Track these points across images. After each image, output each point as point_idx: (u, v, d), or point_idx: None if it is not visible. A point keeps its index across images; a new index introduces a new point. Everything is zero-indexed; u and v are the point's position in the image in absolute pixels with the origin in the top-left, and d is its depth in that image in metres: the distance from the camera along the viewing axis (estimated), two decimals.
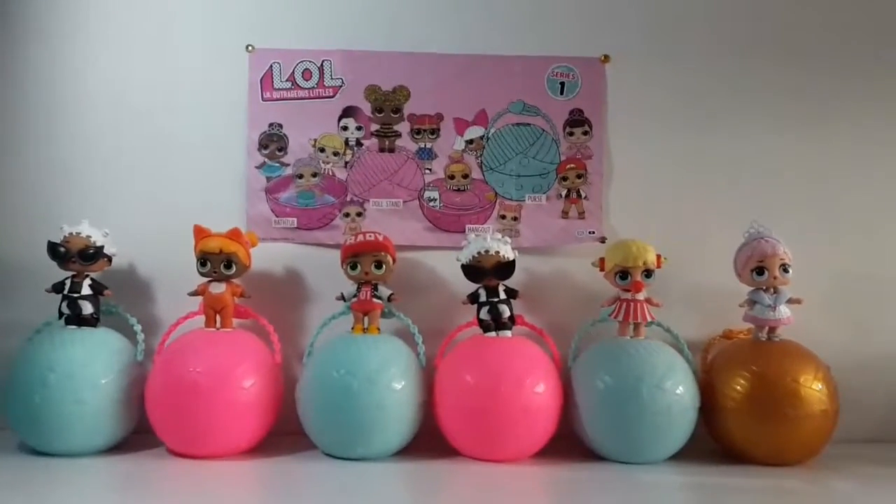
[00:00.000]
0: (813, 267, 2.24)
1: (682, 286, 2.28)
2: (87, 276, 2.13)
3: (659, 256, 2.18)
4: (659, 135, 2.37)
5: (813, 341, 2.14)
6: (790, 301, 2.16)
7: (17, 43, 2.34)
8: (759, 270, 2.15)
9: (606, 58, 2.38)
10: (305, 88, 2.34)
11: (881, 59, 2.40)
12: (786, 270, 2.15)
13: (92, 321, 2.12)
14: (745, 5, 2.40)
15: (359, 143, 2.35)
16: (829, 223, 2.37)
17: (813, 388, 2.04)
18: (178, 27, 2.35)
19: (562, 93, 2.37)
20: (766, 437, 2.05)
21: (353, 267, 2.17)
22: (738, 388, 2.08)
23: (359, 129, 2.35)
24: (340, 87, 2.35)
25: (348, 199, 2.35)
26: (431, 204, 2.35)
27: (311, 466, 2.02)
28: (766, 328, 2.16)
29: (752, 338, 2.19)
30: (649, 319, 2.17)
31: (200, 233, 2.15)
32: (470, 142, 2.36)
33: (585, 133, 2.36)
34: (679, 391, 2.03)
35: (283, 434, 2.11)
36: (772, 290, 2.16)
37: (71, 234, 2.12)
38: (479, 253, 2.15)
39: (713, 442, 2.15)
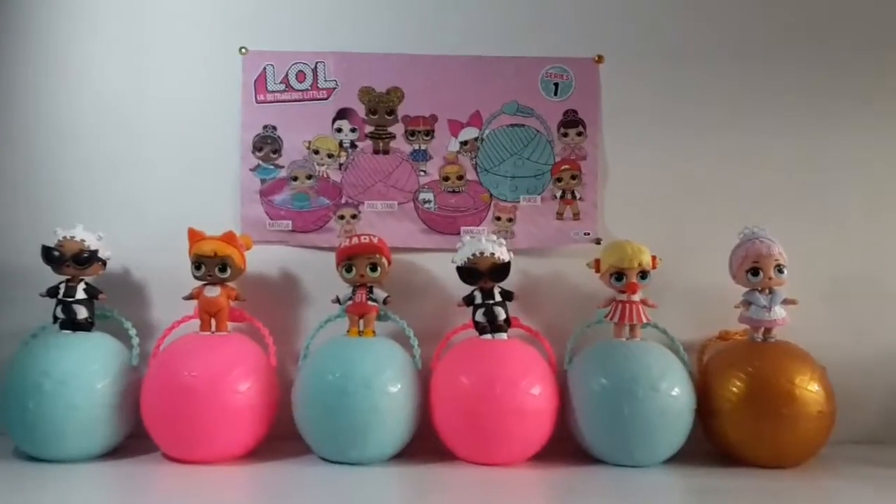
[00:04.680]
0: (810, 267, 2.23)
1: (678, 287, 2.27)
2: (81, 280, 2.13)
3: (654, 257, 2.17)
4: (653, 135, 2.36)
5: (810, 342, 2.14)
6: (785, 302, 2.15)
7: (8, 47, 2.33)
8: (754, 271, 2.15)
9: (600, 58, 2.37)
10: (299, 90, 2.34)
11: (880, 57, 2.39)
12: (781, 271, 2.15)
13: (87, 325, 2.11)
14: (739, 4, 2.39)
15: (353, 145, 2.35)
16: (826, 223, 2.37)
17: (809, 389, 2.04)
18: (172, 31, 2.35)
19: (556, 93, 2.36)
20: (762, 439, 2.05)
21: (349, 269, 2.16)
22: (734, 389, 2.07)
23: (353, 130, 2.34)
24: (334, 88, 2.34)
25: (343, 201, 2.34)
26: (426, 206, 2.35)
27: (307, 471, 2.01)
28: (762, 329, 2.16)
29: (748, 339, 2.19)
30: (645, 321, 2.17)
31: (195, 236, 2.15)
32: (464, 143, 2.36)
33: (580, 134, 2.36)
34: (675, 393, 2.03)
35: (279, 438, 2.10)
36: (767, 290, 2.16)
37: (65, 237, 2.11)
38: (474, 255, 2.15)
39: (709, 444, 2.15)
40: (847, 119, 2.38)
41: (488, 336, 2.15)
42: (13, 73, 2.33)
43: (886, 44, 2.39)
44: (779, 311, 2.15)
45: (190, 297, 2.16)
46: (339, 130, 2.34)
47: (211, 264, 2.13)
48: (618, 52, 2.37)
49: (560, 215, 2.35)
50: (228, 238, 2.15)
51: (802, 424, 2.03)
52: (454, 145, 2.36)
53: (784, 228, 2.21)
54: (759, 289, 2.16)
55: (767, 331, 2.16)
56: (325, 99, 2.34)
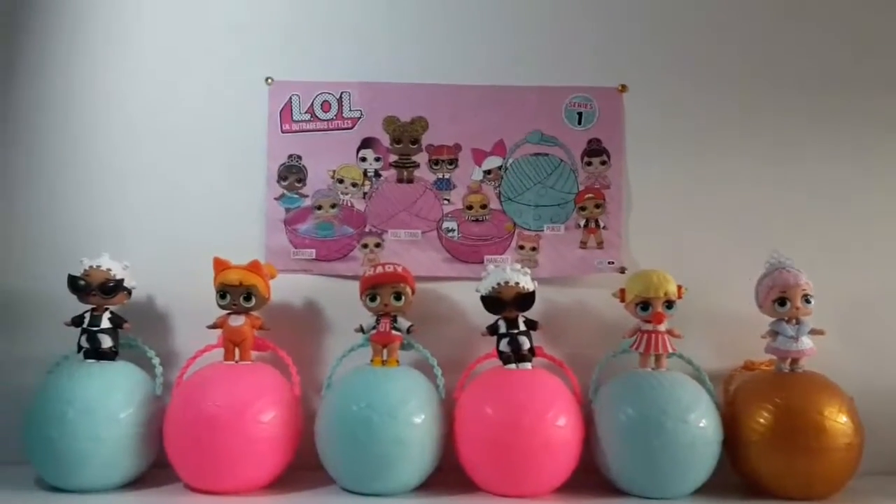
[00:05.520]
0: (833, 294, 2.21)
1: (702, 316, 2.25)
2: (106, 309, 2.13)
3: (680, 287, 2.16)
4: (677, 163, 2.36)
5: (833, 371, 2.11)
6: (812, 332, 2.14)
7: (35, 74, 2.35)
8: (782, 301, 2.14)
9: (624, 87, 2.38)
10: (324, 120, 2.35)
11: None
12: (808, 301, 2.13)
13: (111, 355, 2.11)
14: (763, 31, 2.40)
15: (377, 174, 2.35)
16: (850, 249, 2.35)
17: (838, 420, 2.02)
18: (199, 62, 2.37)
19: (580, 122, 2.37)
20: (790, 471, 2.02)
21: (373, 299, 2.16)
22: (762, 420, 2.05)
23: (377, 160, 2.35)
24: (359, 118, 2.36)
25: (367, 230, 2.34)
26: (450, 234, 2.35)
27: (330, 502, 2.00)
28: (789, 360, 2.14)
29: (775, 369, 2.17)
30: (671, 350, 2.15)
31: (220, 265, 2.15)
32: (488, 172, 2.36)
33: (603, 163, 2.36)
34: (703, 424, 2.01)
35: (302, 468, 2.09)
36: (794, 320, 2.14)
37: (91, 267, 2.12)
38: (498, 284, 2.14)
39: (736, 476, 2.12)
40: (869, 144, 2.38)
41: (512, 366, 2.14)
42: (42, 102, 2.35)
43: None
44: (806, 342, 2.13)
45: (214, 326, 2.16)
46: (364, 160, 2.35)
47: (236, 293, 2.13)
48: (641, 80, 2.38)
49: (584, 244, 2.35)
50: (253, 267, 2.15)
51: (831, 456, 2.00)
52: (478, 174, 2.36)
53: (810, 255, 2.20)
54: (786, 319, 2.14)
55: (794, 361, 2.14)
56: (350, 128, 2.35)
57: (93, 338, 2.10)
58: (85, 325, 2.11)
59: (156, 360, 2.15)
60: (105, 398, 2.01)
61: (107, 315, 2.12)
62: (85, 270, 2.12)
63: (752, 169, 2.37)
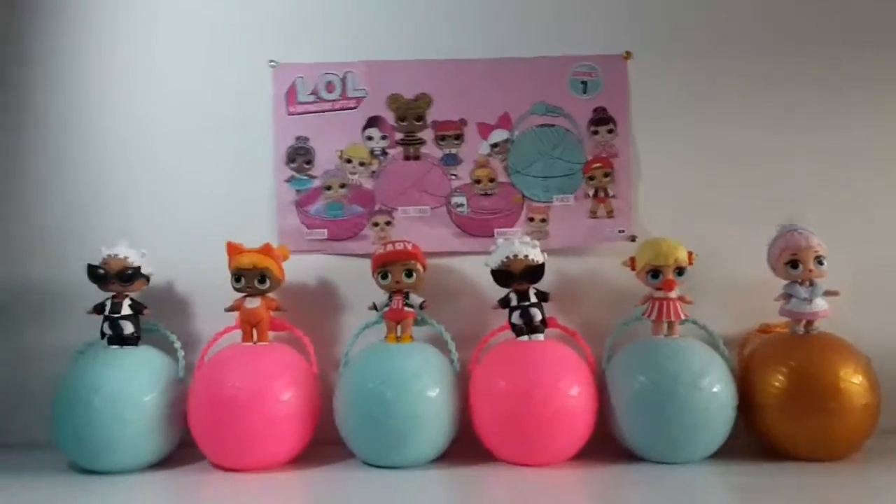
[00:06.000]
0: (847, 256, 2.20)
1: (716, 281, 2.26)
2: (126, 296, 2.18)
3: (690, 253, 2.15)
4: (685, 129, 2.35)
5: (849, 331, 2.11)
6: (826, 293, 2.12)
7: (48, 64, 2.40)
8: (794, 263, 2.12)
9: (628, 54, 2.36)
10: (329, 101, 2.37)
11: None
12: (820, 262, 2.12)
13: (133, 340, 2.17)
14: None
15: (384, 153, 2.37)
16: (865, 211, 2.34)
17: (854, 381, 2.01)
18: (203, 47, 2.40)
19: (584, 92, 2.36)
20: (806, 434, 2.03)
21: (384, 276, 2.19)
22: (777, 384, 2.05)
23: (383, 138, 2.37)
24: (363, 97, 2.37)
25: (376, 208, 2.36)
26: (459, 209, 2.36)
27: (350, 476, 2.05)
28: (804, 322, 2.13)
29: (790, 332, 2.17)
30: (683, 317, 2.15)
31: (233, 249, 2.19)
32: (495, 145, 2.36)
33: (610, 131, 2.35)
34: (716, 389, 2.02)
35: (323, 444, 2.14)
36: (807, 282, 2.13)
37: (109, 255, 2.17)
38: (507, 257, 2.15)
39: (753, 439, 2.13)
40: (881, 106, 2.35)
41: (525, 337, 2.16)
42: (53, 92, 2.40)
43: None
44: (820, 303, 2.12)
45: (231, 309, 2.20)
46: (370, 138, 2.37)
47: (250, 276, 2.17)
48: (646, 47, 2.35)
49: (594, 214, 2.35)
50: (266, 250, 2.19)
51: (847, 418, 2.01)
52: (484, 148, 2.36)
53: (821, 218, 2.19)
54: (800, 281, 2.13)
55: (809, 323, 2.13)
56: (355, 108, 2.37)
57: (115, 325, 2.16)
58: (107, 313, 2.17)
59: (177, 344, 2.21)
60: (129, 383, 2.07)
61: (127, 302, 2.18)
62: (104, 259, 2.17)
63: (761, 132, 2.34)
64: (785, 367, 2.06)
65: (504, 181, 2.36)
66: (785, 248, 2.14)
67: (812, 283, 2.13)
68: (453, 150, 2.36)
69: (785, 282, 2.16)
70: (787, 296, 2.15)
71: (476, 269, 2.29)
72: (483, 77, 2.35)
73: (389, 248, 2.21)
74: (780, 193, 2.31)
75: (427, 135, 2.36)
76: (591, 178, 2.35)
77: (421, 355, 2.13)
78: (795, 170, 2.33)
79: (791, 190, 2.32)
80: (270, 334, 2.22)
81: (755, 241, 2.19)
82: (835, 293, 2.12)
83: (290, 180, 2.37)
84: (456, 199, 2.36)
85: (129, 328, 2.16)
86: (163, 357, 2.19)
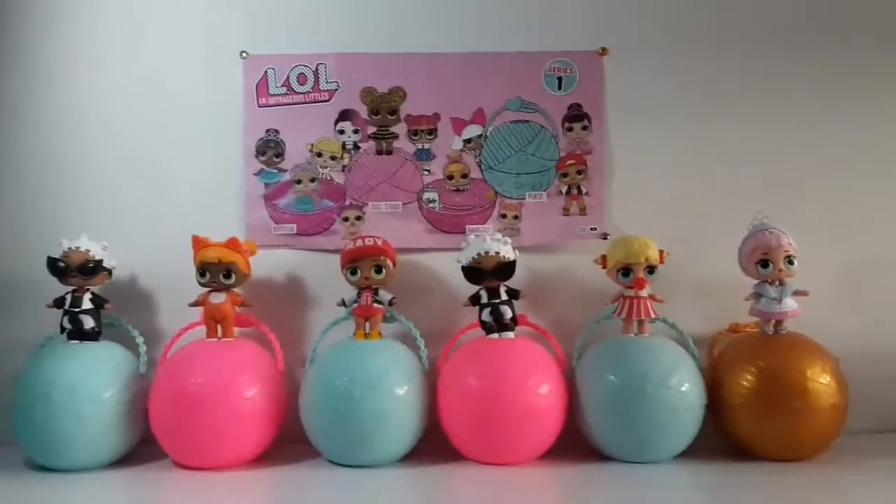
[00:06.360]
0: (821, 257, 2.21)
1: (687, 280, 2.25)
2: (87, 290, 2.13)
3: (662, 252, 2.14)
4: (660, 128, 2.33)
5: (823, 332, 2.11)
6: (796, 293, 2.12)
7: (10, 53, 2.33)
8: (764, 263, 2.12)
9: (604, 50, 2.34)
10: (301, 93, 2.33)
11: (884, 44, 2.35)
12: (791, 262, 2.12)
13: (94, 335, 2.12)
14: None
15: (356, 147, 2.33)
16: (836, 212, 2.33)
17: (821, 381, 2.01)
18: (172, 37, 2.34)
19: (560, 88, 2.34)
20: (774, 433, 2.02)
21: (353, 272, 2.15)
22: (745, 383, 2.05)
23: (356, 132, 2.33)
24: (336, 90, 2.33)
25: (347, 203, 2.33)
26: (431, 205, 2.33)
27: (316, 474, 2.01)
28: (773, 321, 2.13)
29: (759, 332, 2.17)
30: (653, 316, 2.14)
31: (199, 243, 2.14)
32: (468, 141, 2.34)
33: (585, 128, 2.33)
34: (684, 388, 2.01)
35: (288, 442, 2.10)
36: (777, 282, 2.13)
37: (70, 248, 2.11)
38: (478, 254, 2.13)
39: (721, 438, 2.13)
40: (854, 106, 2.34)
41: (495, 335, 2.14)
42: (15, 80, 2.33)
43: (893, 28, 2.35)
44: (789, 303, 2.12)
45: (196, 304, 2.16)
46: (342, 132, 2.33)
47: (215, 271, 2.13)
48: (622, 44, 2.33)
49: (566, 211, 2.33)
50: (232, 244, 2.14)
51: (815, 417, 2.00)
52: (458, 143, 2.34)
53: (793, 218, 2.18)
54: (770, 280, 2.13)
55: (778, 323, 2.13)
56: (327, 101, 2.33)
57: (75, 319, 2.10)
58: (67, 307, 2.11)
59: (139, 339, 2.16)
60: (89, 378, 2.02)
61: (88, 296, 2.13)
62: (64, 252, 2.12)
63: (737, 131, 2.33)
64: (753, 367, 2.06)
65: (477, 177, 2.34)
66: (756, 247, 2.14)
67: (782, 283, 2.13)
68: (426, 145, 2.34)
69: (755, 281, 2.16)
70: (757, 295, 2.15)
71: (447, 266, 2.26)
72: (458, 71, 2.33)
73: (359, 243, 2.17)
74: (754, 192, 2.30)
75: (400, 129, 2.33)
76: (565, 175, 2.33)
77: (389, 352, 2.10)
78: (769, 168, 2.32)
79: (765, 188, 2.31)
80: (236, 330, 2.17)
81: (727, 241, 2.18)
82: (804, 293, 2.13)
83: (259, 173, 2.33)
84: (428, 195, 2.33)
85: (89, 322, 2.11)
86: (124, 352, 2.13)
